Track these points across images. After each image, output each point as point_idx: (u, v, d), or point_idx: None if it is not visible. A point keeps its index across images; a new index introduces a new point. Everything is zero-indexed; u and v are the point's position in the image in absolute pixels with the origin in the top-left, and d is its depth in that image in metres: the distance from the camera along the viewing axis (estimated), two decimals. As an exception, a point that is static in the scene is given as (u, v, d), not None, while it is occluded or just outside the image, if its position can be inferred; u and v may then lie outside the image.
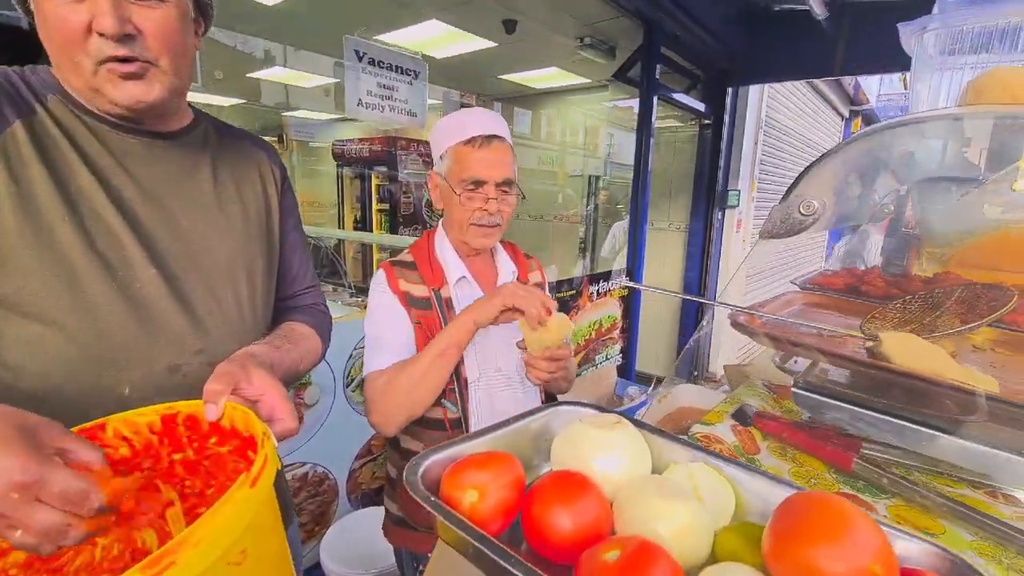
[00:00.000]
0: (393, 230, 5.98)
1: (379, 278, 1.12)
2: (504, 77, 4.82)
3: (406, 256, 1.17)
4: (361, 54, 1.77)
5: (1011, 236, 1.28)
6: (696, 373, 4.98)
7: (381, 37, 3.48)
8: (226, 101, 6.14)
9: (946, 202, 1.55)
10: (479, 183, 1.06)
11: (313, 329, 0.97)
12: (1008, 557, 0.60)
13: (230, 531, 0.44)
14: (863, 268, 1.26)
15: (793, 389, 0.73)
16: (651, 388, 4.66)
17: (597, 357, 3.68)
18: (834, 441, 0.76)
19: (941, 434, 0.64)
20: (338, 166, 6.52)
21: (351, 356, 1.83)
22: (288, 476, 1.70)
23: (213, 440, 0.67)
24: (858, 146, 1.03)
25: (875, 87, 9.95)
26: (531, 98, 5.60)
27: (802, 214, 0.85)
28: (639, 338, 4.29)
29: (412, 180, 5.91)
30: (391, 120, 2.02)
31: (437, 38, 3.50)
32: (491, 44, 3.76)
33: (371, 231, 6.15)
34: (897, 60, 3.76)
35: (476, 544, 0.40)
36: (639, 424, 0.59)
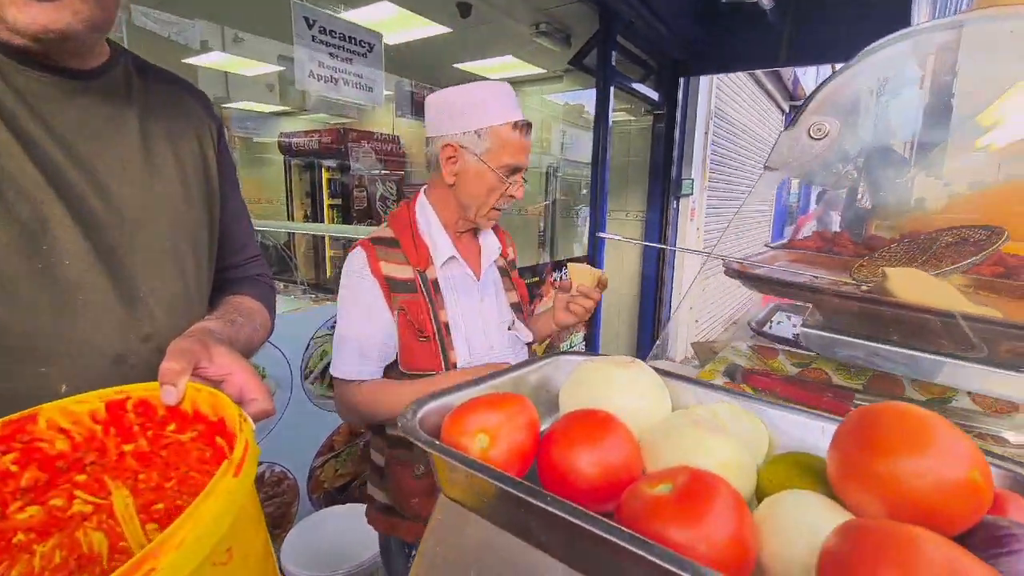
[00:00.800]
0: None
1: (357, 260, 1.03)
2: (459, 67, 4.73)
3: (385, 231, 1.08)
4: (311, 21, 1.65)
5: (960, 205, 1.32)
6: (656, 358, 5.05)
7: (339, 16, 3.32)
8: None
9: (892, 177, 1.60)
10: (517, 169, 1.04)
11: (261, 303, 0.88)
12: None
13: (216, 528, 0.36)
14: (824, 231, 1.28)
15: (802, 329, 0.70)
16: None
17: (563, 345, 3.65)
18: (828, 394, 0.74)
19: (959, 361, 0.63)
20: (286, 159, 6.23)
21: (308, 347, 1.71)
22: (242, 477, 1.56)
23: (171, 427, 0.58)
24: (882, 55, 0.93)
25: (811, 83, 10.49)
26: (486, 90, 5.53)
27: (812, 138, 0.82)
28: (601, 324, 4.31)
29: (365, 173, 5.72)
30: (345, 96, 1.91)
31: (389, 20, 3.37)
32: (445, 29, 3.67)
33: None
34: (840, 52, 3.93)
35: (502, 486, 0.33)
36: (649, 368, 0.54)
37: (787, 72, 7.79)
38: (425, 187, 1.13)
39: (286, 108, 6.50)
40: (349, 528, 1.71)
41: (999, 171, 1.08)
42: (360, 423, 1.03)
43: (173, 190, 0.74)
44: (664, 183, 4.60)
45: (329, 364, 1.80)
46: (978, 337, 0.62)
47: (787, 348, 0.90)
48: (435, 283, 1.05)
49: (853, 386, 0.83)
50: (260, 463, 1.61)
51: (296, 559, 1.50)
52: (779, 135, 0.91)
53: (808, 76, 9.94)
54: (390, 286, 1.01)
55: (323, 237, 5.84)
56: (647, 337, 4.96)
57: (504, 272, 1.24)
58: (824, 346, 0.70)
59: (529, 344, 1.23)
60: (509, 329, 1.18)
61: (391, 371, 1.07)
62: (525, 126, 1.03)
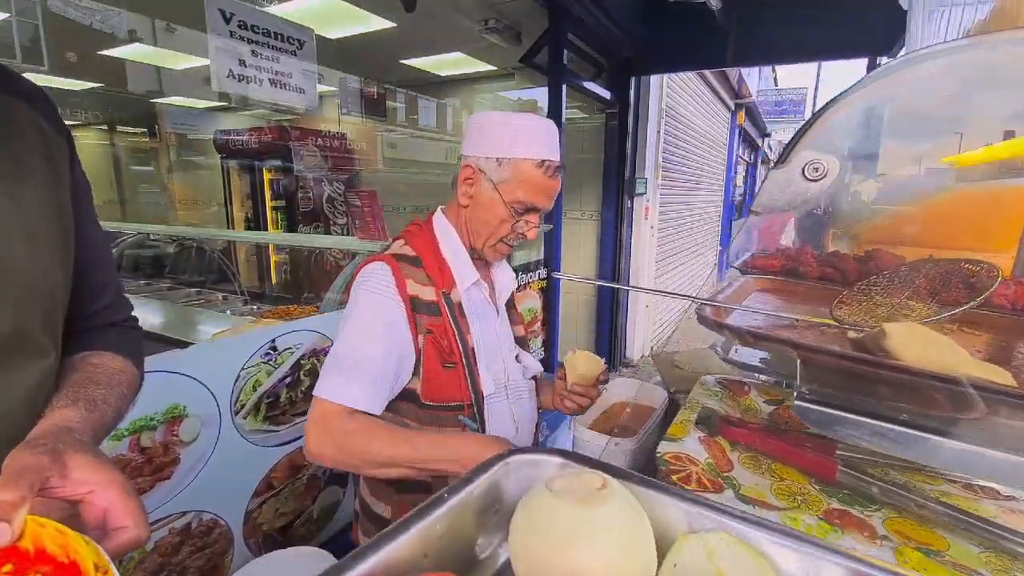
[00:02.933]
0: (291, 229, 5.48)
1: (379, 277, 0.94)
2: (407, 62, 4.54)
3: (406, 250, 1.01)
4: (228, 15, 1.47)
5: (913, 214, 1.30)
6: (614, 359, 5.06)
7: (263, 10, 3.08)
8: (78, 85, 5.25)
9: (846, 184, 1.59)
10: (533, 209, 0.98)
11: (126, 358, 0.73)
12: (1021, 569, 0.54)
13: None
14: (787, 249, 1.24)
15: (796, 403, 0.63)
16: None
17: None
18: (808, 445, 0.67)
19: (978, 448, 0.57)
20: (223, 159, 5.86)
21: (238, 378, 1.54)
22: (164, 530, 1.39)
23: (8, 568, 0.44)
24: (883, 84, 0.89)
25: (755, 83, 10.83)
26: (436, 86, 5.35)
27: (808, 178, 0.75)
28: (560, 324, 4.26)
29: (310, 174, 5.44)
30: (274, 98, 1.73)
31: (328, 14, 3.16)
32: (389, 24, 3.49)
33: (266, 230, 5.60)
34: (784, 52, 3.98)
35: None
36: (624, 475, 0.44)
37: (733, 72, 7.99)
38: (442, 207, 1.10)
39: (224, 104, 6.10)
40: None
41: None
42: (335, 462, 0.88)
43: (10, 219, 0.56)
44: (619, 182, 4.59)
45: (264, 394, 1.65)
46: (989, 406, 0.57)
47: (755, 380, 0.84)
48: (460, 306, 1.00)
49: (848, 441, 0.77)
50: (186, 512, 1.44)
51: (228, 620, 1.34)
52: (766, 176, 0.83)
53: (752, 77, 10.26)
54: (414, 307, 0.94)
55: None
56: (605, 334, 4.96)
57: (510, 305, 1.20)
58: (822, 423, 0.63)
59: (534, 377, 1.20)
60: (517, 359, 1.14)
61: (405, 403, 0.97)
62: (554, 168, 0.96)
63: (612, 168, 4.60)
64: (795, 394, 0.63)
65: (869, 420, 0.60)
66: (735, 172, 10.91)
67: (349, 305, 0.97)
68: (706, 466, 0.62)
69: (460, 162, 1.02)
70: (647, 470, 0.63)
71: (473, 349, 1.00)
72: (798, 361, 0.63)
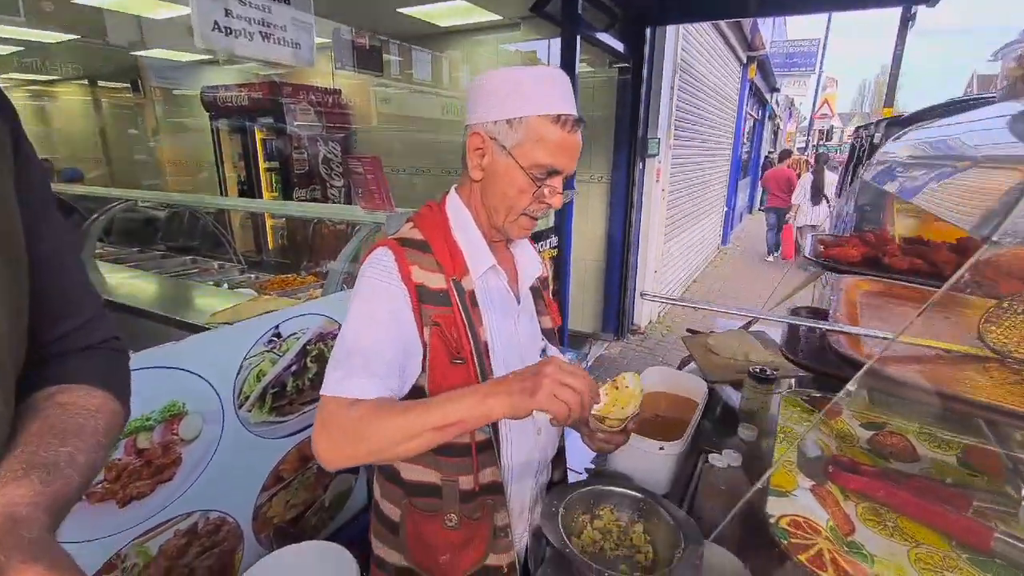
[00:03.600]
0: (287, 192, 5.26)
1: (381, 263, 0.86)
2: (404, 11, 4.21)
3: (413, 232, 0.91)
4: (211, -46, 1.26)
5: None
6: (622, 326, 4.98)
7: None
8: (56, 36, 4.89)
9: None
10: (554, 173, 0.86)
11: (106, 391, 0.59)
12: None
13: None
14: (865, 233, 1.09)
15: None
16: (586, 351, 4.58)
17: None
18: (939, 494, 0.55)
19: None
20: (212, 118, 5.56)
21: (241, 368, 1.41)
22: (170, 533, 1.30)
23: None
24: None
25: (768, 33, 10.31)
26: (435, 38, 5.01)
27: None
28: (570, 295, 4.14)
29: (304, 133, 5.18)
30: (266, 54, 1.53)
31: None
32: (387, -32, 3.18)
33: (260, 195, 5.38)
34: (809, 1, 3.68)
35: None
36: None
37: (747, 21, 7.54)
38: (456, 184, 0.98)
39: (210, 57, 5.74)
40: (305, 571, 1.48)
41: None
42: (353, 458, 0.80)
43: None
44: (630, 142, 4.36)
45: (269, 384, 1.53)
46: None
47: (837, 396, 0.72)
48: (472, 295, 0.90)
49: (947, 460, 0.65)
50: (191, 512, 1.34)
51: (242, 624, 1.26)
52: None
53: (765, 27, 9.75)
54: (420, 296, 0.85)
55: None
56: (614, 301, 4.85)
57: (537, 293, 1.06)
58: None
59: None
60: (543, 356, 1.03)
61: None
62: (572, 121, 0.84)
63: (624, 127, 4.37)
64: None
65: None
66: (744, 129, 10.55)
67: (352, 294, 0.88)
68: (830, 532, 0.51)
69: (466, 133, 0.90)
70: (747, 531, 0.50)
71: (486, 344, 0.90)
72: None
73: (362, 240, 2.06)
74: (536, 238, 3.28)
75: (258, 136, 5.32)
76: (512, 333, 0.97)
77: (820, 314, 1.08)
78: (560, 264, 3.55)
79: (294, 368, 1.57)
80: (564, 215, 3.48)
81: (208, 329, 1.73)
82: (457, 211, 0.95)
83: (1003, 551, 0.52)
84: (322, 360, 1.66)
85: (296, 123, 5.12)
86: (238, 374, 1.41)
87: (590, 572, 0.86)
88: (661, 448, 1.11)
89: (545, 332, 1.07)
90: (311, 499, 1.71)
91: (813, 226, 8.51)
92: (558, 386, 0.70)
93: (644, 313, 5.19)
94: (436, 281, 0.87)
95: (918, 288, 0.79)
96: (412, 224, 0.94)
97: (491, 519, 0.96)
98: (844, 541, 0.51)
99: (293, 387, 1.58)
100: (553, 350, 1.07)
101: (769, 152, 15.34)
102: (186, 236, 4.46)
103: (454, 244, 0.91)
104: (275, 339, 1.50)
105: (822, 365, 0.94)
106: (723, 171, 9.13)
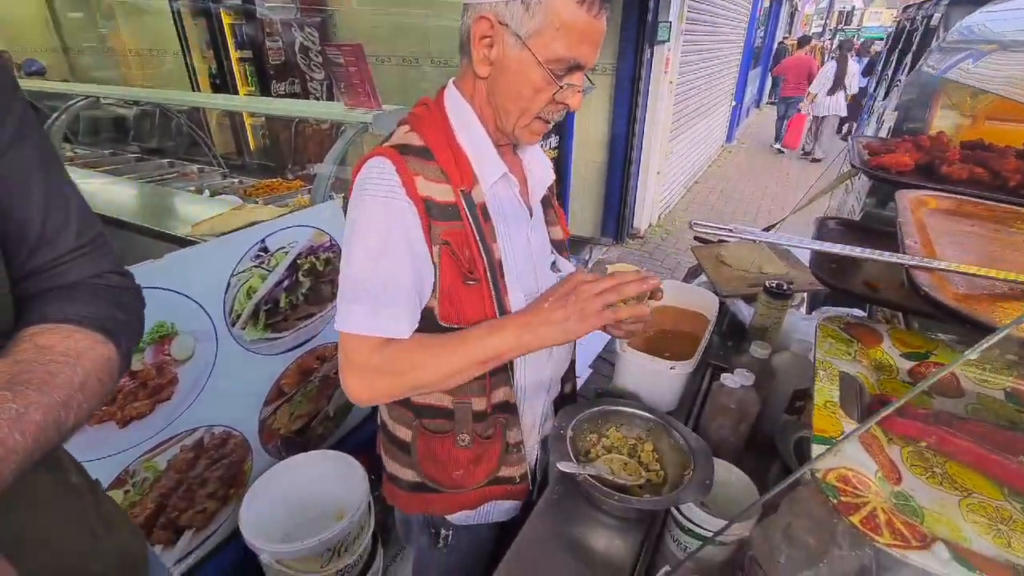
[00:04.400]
0: (264, 87, 4.85)
1: (382, 177, 0.74)
2: None
3: (410, 137, 0.79)
4: None
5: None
6: (621, 230, 4.88)
7: None
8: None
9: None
10: (577, 67, 0.72)
11: (94, 331, 0.53)
12: None
13: None
14: (919, 136, 0.96)
15: None
16: (586, 257, 4.52)
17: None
18: (993, 439, 0.51)
19: None
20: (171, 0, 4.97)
21: (229, 286, 1.34)
22: (176, 448, 1.31)
23: None
24: None
25: None
26: None
27: None
28: (569, 198, 4.00)
29: (276, 16, 4.65)
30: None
31: None
32: None
33: (235, 90, 4.97)
34: None
35: None
36: None
37: None
38: (455, 78, 0.84)
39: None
40: (316, 478, 1.53)
41: None
42: (392, 396, 0.82)
43: None
44: (639, 27, 3.95)
45: (261, 301, 1.47)
46: None
47: (874, 321, 0.66)
48: (483, 208, 0.80)
49: (995, 395, 0.60)
50: (195, 428, 1.35)
51: (259, 527, 1.32)
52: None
53: None
54: (428, 211, 0.76)
55: (238, 102, 4.93)
56: (614, 204, 4.70)
57: (547, 202, 0.97)
58: None
59: None
60: (553, 269, 0.95)
61: (420, 323, 0.82)
62: (599, 2, 0.69)
63: (632, 9, 3.93)
64: None
65: None
66: (760, 10, 9.63)
67: (350, 213, 0.77)
68: (879, 484, 0.46)
69: (467, 15, 0.74)
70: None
71: (500, 262, 0.82)
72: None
73: (348, 142, 1.89)
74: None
75: (225, 21, 4.78)
76: (525, 248, 0.89)
77: (852, 227, 0.99)
78: (561, 166, 3.37)
79: (286, 283, 1.50)
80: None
81: (192, 242, 1.63)
82: (459, 111, 0.81)
83: (1064, 502, 0.49)
84: (315, 274, 1.59)
85: (266, 3, 4.58)
86: (226, 291, 1.34)
87: (600, 492, 0.86)
88: (672, 368, 1.07)
89: (555, 244, 0.99)
90: (315, 410, 1.73)
91: (837, 116, 8.08)
92: (599, 301, 0.70)
93: (644, 217, 5.06)
94: (443, 193, 0.77)
95: (994, 206, 0.69)
96: (408, 127, 0.81)
97: (503, 436, 0.95)
98: (892, 492, 0.47)
99: (287, 303, 1.52)
100: (564, 264, 0.99)
101: (784, 37, 14.19)
102: (160, 137, 4.17)
103: (459, 150, 0.80)
104: (262, 254, 1.41)
105: (852, 285, 0.88)
106: (734, 60, 8.47)
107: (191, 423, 1.33)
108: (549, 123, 0.79)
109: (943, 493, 0.48)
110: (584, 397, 1.14)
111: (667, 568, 0.80)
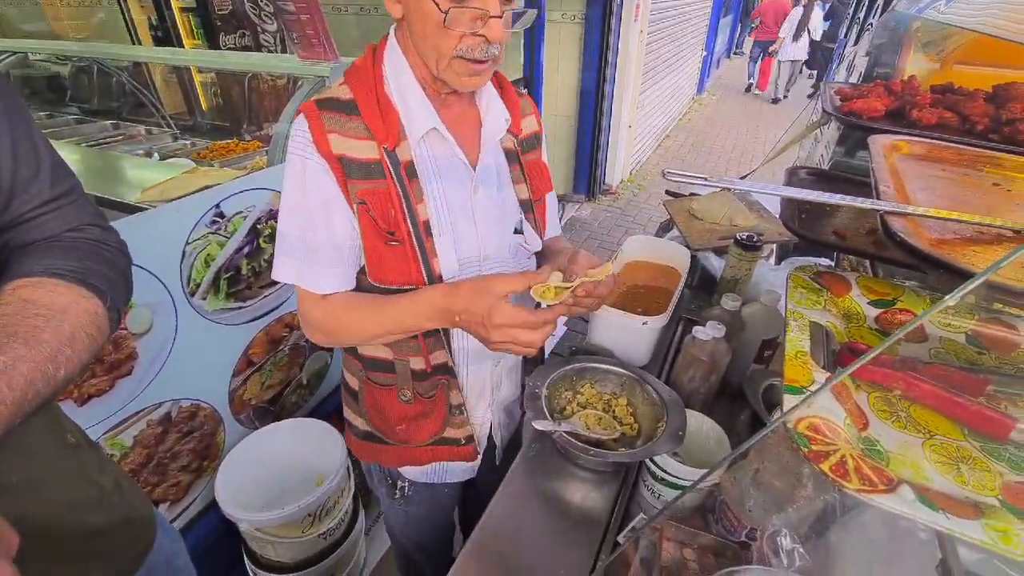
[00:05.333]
0: (212, 40, 4.52)
1: (297, 131, 0.75)
2: None
3: (340, 91, 0.77)
4: None
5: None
6: (593, 186, 4.84)
7: None
8: None
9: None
10: None
11: (79, 286, 0.52)
12: None
13: None
14: (891, 81, 0.94)
15: None
16: (561, 216, 4.47)
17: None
18: (953, 381, 0.52)
19: None
20: (98, -59, 4.52)
21: (185, 254, 1.27)
22: (142, 423, 1.27)
23: None
24: None
25: None
26: None
27: None
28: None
29: (220, -39, 4.30)
30: None
31: None
32: None
33: (180, 43, 4.62)
34: None
35: None
36: None
37: None
38: (395, 25, 0.80)
39: None
40: (292, 445, 1.52)
41: None
42: (329, 343, 0.87)
43: None
44: (608, -29, 3.79)
45: (221, 269, 1.40)
46: None
47: (840, 268, 0.66)
48: (409, 166, 0.77)
49: (956, 338, 0.62)
50: (161, 403, 1.30)
51: (236, 498, 1.31)
52: None
53: None
54: (346, 170, 0.75)
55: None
56: (585, 159, 4.64)
57: (513, 157, 0.90)
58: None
59: (537, 253, 0.99)
60: (516, 232, 0.91)
61: (361, 276, 0.85)
62: None
63: (601, -49, 3.76)
64: None
65: None
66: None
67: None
68: (847, 430, 0.47)
69: None
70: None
71: (426, 222, 0.79)
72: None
73: (305, 98, 1.78)
74: (504, 91, 2.97)
75: (163, -34, 4.39)
76: (464, 207, 0.83)
77: (823, 176, 0.99)
78: (530, 121, 3.27)
79: (247, 250, 1.44)
80: (533, 63, 3.13)
81: (142, 209, 1.54)
82: (395, 61, 0.78)
83: (1022, 440, 0.50)
84: (277, 239, 1.52)
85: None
86: (182, 260, 1.27)
87: (576, 448, 0.87)
88: (644, 323, 1.08)
89: (521, 203, 0.93)
90: (287, 379, 1.70)
91: (793, 61, 8.35)
92: (508, 344, 0.71)
93: (616, 172, 5.03)
94: (363, 150, 0.75)
95: (963, 150, 0.69)
96: (342, 80, 0.78)
97: (447, 397, 0.95)
98: (859, 438, 0.48)
99: (249, 270, 1.46)
100: (527, 229, 0.93)
101: (755, -17, 13.91)
102: (101, 97, 3.88)
103: (388, 104, 0.76)
104: (218, 219, 1.34)
105: (822, 235, 0.88)
106: (705, 8, 8.29)
107: (156, 397, 1.28)
108: (477, 61, 0.72)
109: (908, 436, 0.49)
110: (559, 355, 1.14)
111: (642, 515, 0.82)
